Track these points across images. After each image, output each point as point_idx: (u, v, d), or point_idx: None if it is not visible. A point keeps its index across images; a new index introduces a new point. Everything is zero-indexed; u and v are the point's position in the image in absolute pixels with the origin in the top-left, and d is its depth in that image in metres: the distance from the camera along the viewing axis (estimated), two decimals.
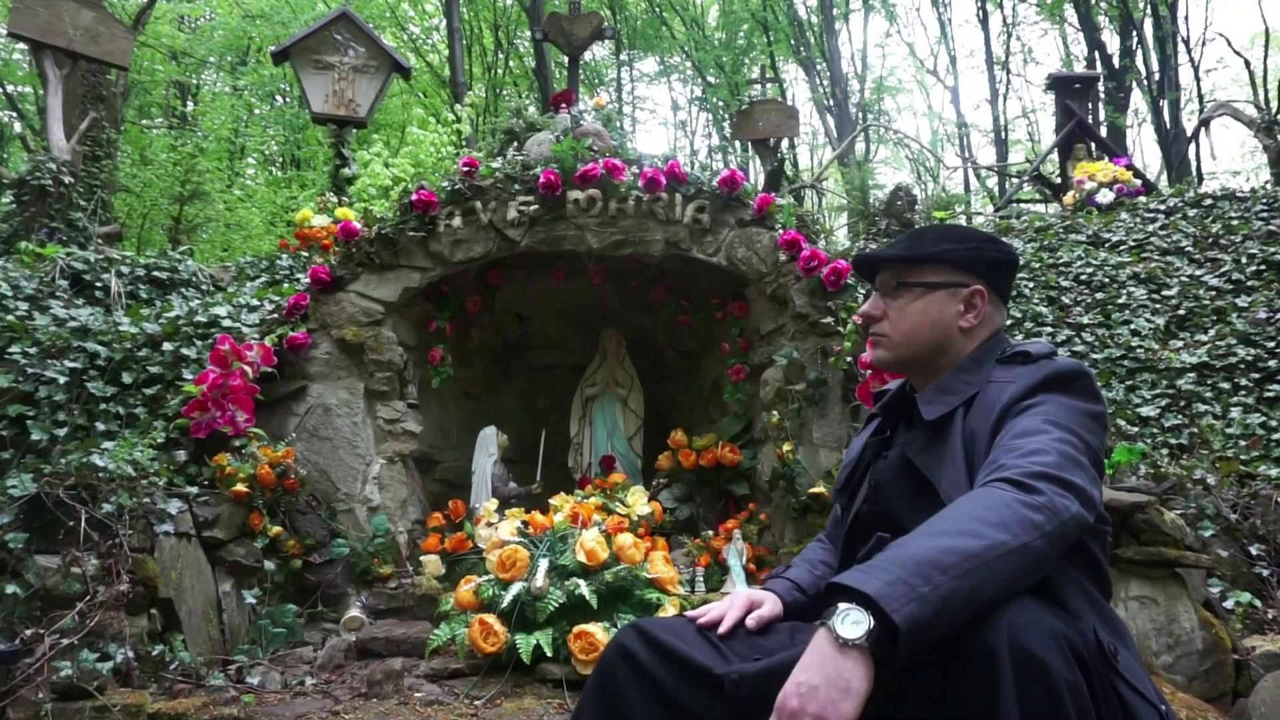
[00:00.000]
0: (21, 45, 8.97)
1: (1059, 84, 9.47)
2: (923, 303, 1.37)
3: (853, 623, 0.96)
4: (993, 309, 1.39)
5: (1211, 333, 4.95)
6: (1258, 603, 3.12)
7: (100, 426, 3.36)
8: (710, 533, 3.90)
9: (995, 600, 0.99)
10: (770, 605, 1.33)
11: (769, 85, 11.65)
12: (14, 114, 13.30)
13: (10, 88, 13.11)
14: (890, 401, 1.48)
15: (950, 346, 1.37)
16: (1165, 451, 4.17)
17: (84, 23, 6.35)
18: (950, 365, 1.36)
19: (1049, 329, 5.22)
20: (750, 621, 1.28)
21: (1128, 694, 1.09)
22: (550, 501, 3.63)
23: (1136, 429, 4.34)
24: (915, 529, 1.07)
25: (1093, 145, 8.96)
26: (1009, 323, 5.31)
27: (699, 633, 1.27)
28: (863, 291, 3.80)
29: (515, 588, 2.97)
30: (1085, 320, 5.23)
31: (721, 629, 1.26)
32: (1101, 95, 12.49)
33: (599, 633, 2.81)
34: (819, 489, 3.52)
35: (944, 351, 1.37)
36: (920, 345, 1.37)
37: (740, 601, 1.32)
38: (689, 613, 1.31)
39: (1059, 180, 9.23)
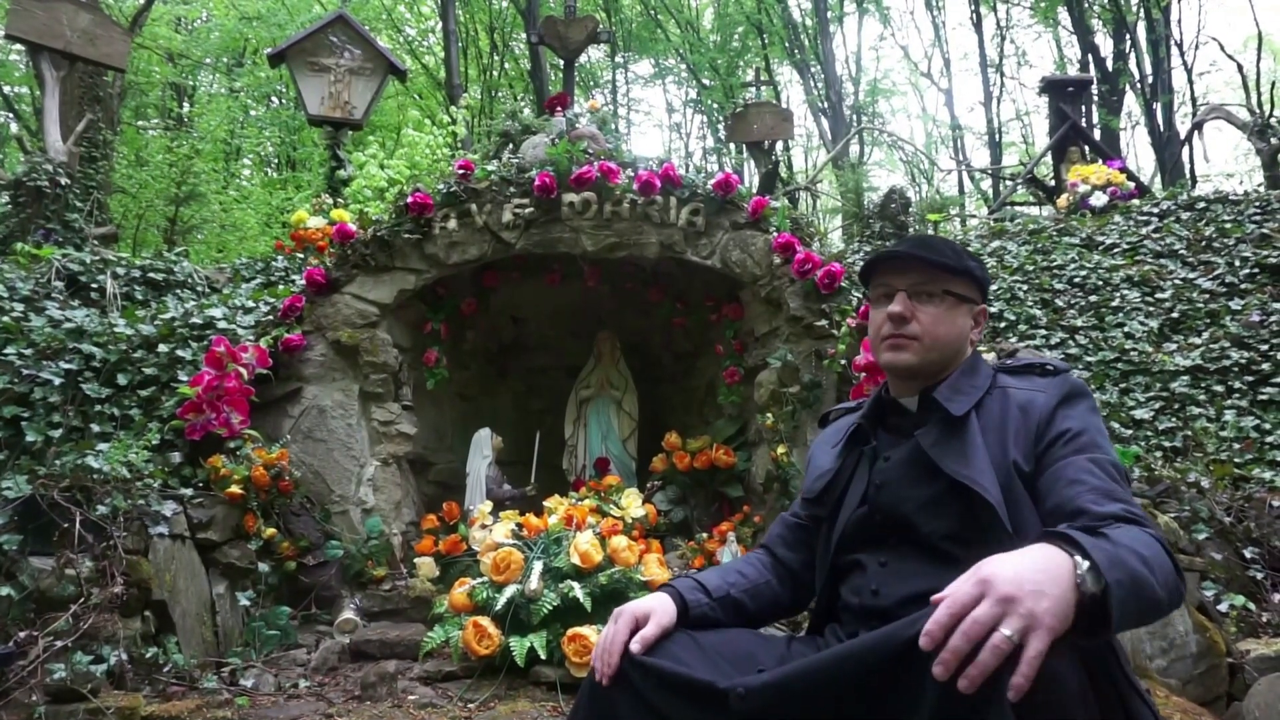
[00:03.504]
0: (19, 47, 8.96)
1: (1052, 87, 9.51)
2: (954, 312, 1.42)
3: (1094, 579, 0.94)
4: None
5: (1205, 336, 4.97)
6: (1252, 606, 3.11)
7: (95, 428, 3.36)
8: (704, 535, 3.91)
9: None
10: (656, 621, 1.27)
11: (763, 88, 11.67)
12: (11, 115, 13.29)
13: (7, 89, 13.09)
14: (870, 412, 1.51)
15: (958, 357, 1.44)
16: (1159, 454, 4.18)
17: (81, 25, 6.34)
18: (951, 373, 1.43)
19: (1043, 331, 5.23)
20: (635, 645, 1.22)
21: (1128, 692, 1.11)
22: (545, 504, 3.63)
23: (1130, 432, 4.35)
24: (1119, 534, 1.07)
25: (1086, 148, 9.00)
26: (1003, 324, 5.35)
27: (689, 645, 1.26)
28: (858, 295, 3.81)
29: (509, 590, 2.97)
30: (1079, 323, 5.25)
31: (611, 663, 1.21)
32: (1095, 98, 12.54)
33: (593, 635, 2.81)
34: None
35: (953, 361, 1.43)
36: (946, 352, 1.42)
37: (624, 623, 1.26)
38: (596, 663, 1.25)
39: (1053, 183, 9.27)
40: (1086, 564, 0.95)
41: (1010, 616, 0.89)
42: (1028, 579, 0.91)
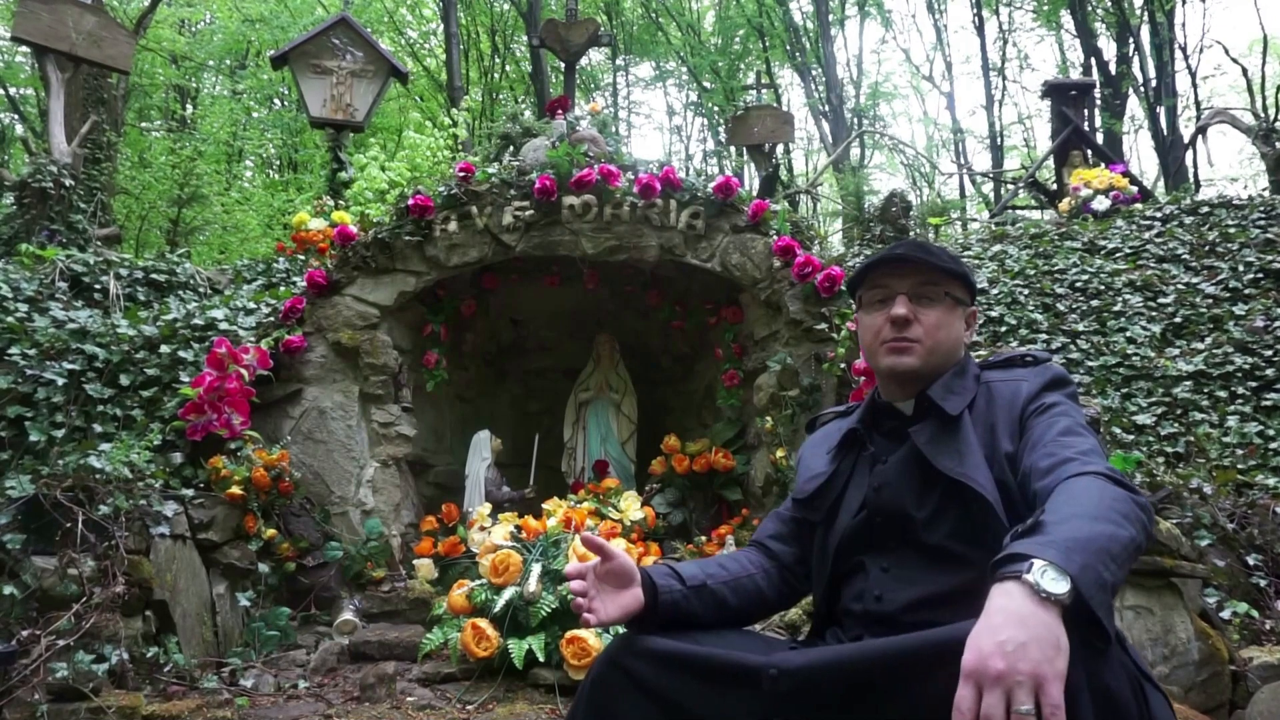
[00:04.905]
0: (25, 49, 9.00)
1: (1055, 90, 9.49)
2: (951, 315, 1.42)
3: (1053, 579, 0.91)
4: None
5: (1208, 341, 4.95)
6: (1255, 613, 3.08)
7: (98, 428, 3.38)
8: (703, 538, 3.91)
9: None
10: (604, 557, 1.32)
11: (764, 91, 11.69)
12: (16, 116, 13.34)
13: (13, 90, 13.14)
14: (864, 417, 1.50)
15: (954, 359, 1.43)
16: (1161, 460, 4.16)
17: (86, 27, 6.37)
18: (945, 374, 1.43)
19: (1044, 336, 5.23)
20: (584, 533, 1.36)
21: (1137, 676, 1.09)
22: (543, 506, 3.64)
23: (1132, 437, 4.34)
24: (1055, 507, 1.04)
25: (1089, 152, 8.98)
26: (1004, 329, 5.34)
27: (689, 643, 1.25)
28: None
29: (508, 592, 2.98)
30: (1080, 328, 5.24)
31: (577, 587, 1.29)
32: (1098, 102, 12.51)
33: (591, 638, 2.81)
34: None
35: (950, 363, 1.42)
36: (946, 356, 1.41)
37: (575, 569, 1.33)
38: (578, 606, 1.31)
39: (1055, 187, 9.25)
40: (1043, 566, 0.92)
41: (1015, 690, 0.87)
42: (1005, 642, 0.88)
